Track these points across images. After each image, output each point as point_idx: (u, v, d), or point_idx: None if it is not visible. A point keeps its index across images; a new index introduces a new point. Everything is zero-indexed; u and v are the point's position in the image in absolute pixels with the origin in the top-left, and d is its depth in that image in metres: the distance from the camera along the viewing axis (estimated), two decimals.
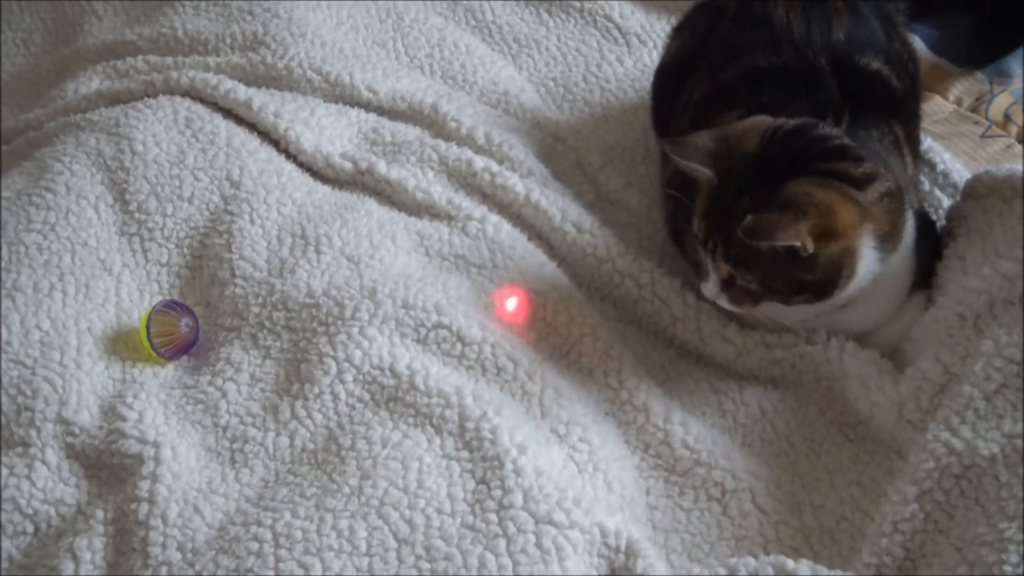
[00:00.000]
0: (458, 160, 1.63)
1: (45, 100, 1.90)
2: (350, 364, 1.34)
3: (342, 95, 1.78)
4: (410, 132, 1.71)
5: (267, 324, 1.42)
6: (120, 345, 1.45)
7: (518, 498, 1.18)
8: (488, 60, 1.92)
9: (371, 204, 1.60)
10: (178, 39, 1.91)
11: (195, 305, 1.49)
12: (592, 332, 1.43)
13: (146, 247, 1.54)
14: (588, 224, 1.54)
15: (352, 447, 1.26)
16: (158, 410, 1.34)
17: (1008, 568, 1.06)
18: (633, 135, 1.77)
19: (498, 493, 1.19)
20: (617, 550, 1.17)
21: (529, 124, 1.79)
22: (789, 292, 1.29)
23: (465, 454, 1.24)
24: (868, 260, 1.26)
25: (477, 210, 1.57)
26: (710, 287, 1.34)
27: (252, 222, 1.53)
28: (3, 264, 1.47)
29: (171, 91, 1.75)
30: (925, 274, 1.39)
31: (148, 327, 1.41)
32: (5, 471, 1.28)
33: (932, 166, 1.60)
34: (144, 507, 1.22)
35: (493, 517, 1.17)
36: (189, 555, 1.19)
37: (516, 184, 1.59)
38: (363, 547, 1.16)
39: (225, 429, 1.33)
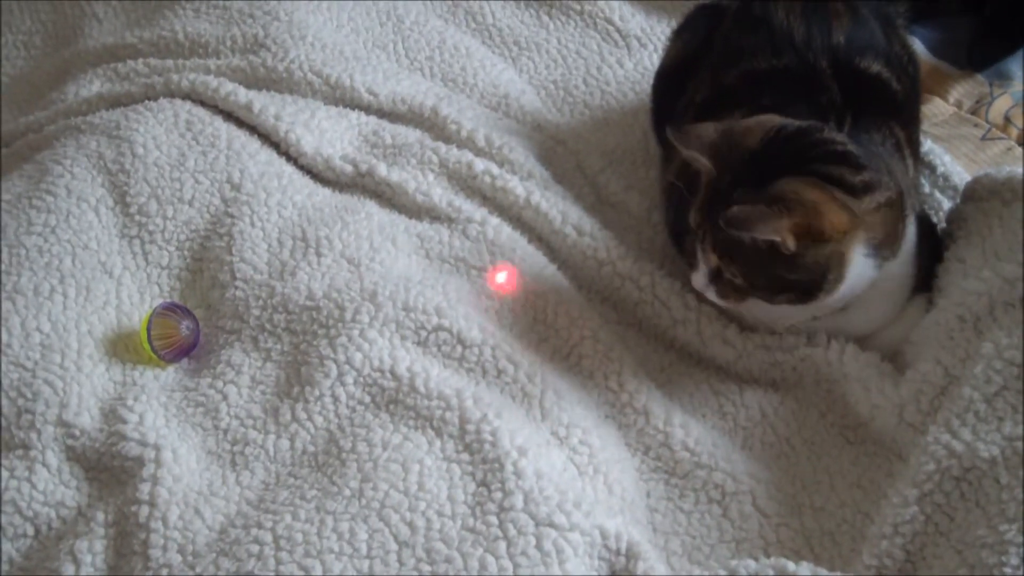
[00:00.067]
0: (458, 163, 1.63)
1: (45, 103, 1.90)
2: (350, 366, 1.34)
3: (342, 98, 1.78)
4: (410, 134, 1.72)
5: (268, 327, 1.42)
6: (121, 348, 1.45)
7: (519, 500, 1.18)
8: (488, 63, 1.92)
9: (371, 207, 1.60)
10: (179, 42, 1.91)
11: (196, 308, 1.49)
12: (592, 334, 1.43)
13: (147, 250, 1.54)
14: (588, 227, 1.54)
15: (352, 449, 1.26)
16: (159, 412, 1.34)
17: (1008, 570, 1.06)
18: (634, 138, 1.77)
19: (499, 495, 1.19)
20: (618, 552, 1.17)
21: (529, 127, 1.79)
22: (772, 290, 1.30)
23: (466, 456, 1.24)
24: (860, 266, 1.26)
25: (478, 212, 1.57)
26: (699, 278, 1.35)
27: (253, 225, 1.53)
28: (4, 267, 1.47)
29: (172, 94, 1.75)
30: (926, 277, 1.39)
31: (149, 329, 1.41)
32: (5, 473, 1.28)
33: (932, 168, 1.60)
34: (145, 509, 1.22)
35: (494, 519, 1.17)
36: (190, 557, 1.19)
37: (516, 187, 1.59)
38: (364, 549, 1.16)
39: (226, 431, 1.33)
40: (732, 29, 1.53)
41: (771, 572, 1.15)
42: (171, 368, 1.44)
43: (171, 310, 1.44)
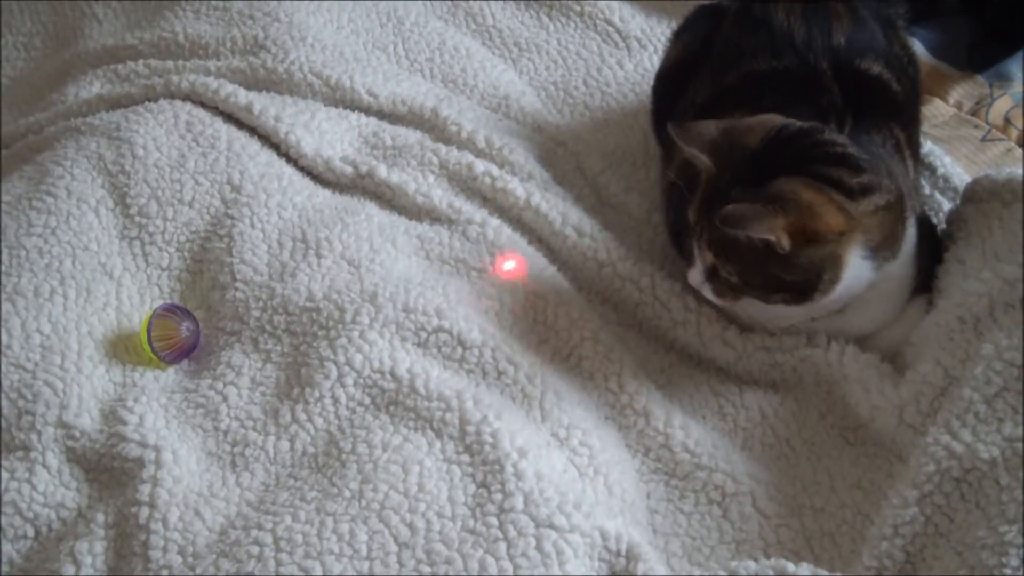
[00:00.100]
0: (459, 164, 1.63)
1: (45, 104, 1.90)
2: (351, 368, 1.34)
3: (343, 99, 1.78)
4: (411, 136, 1.72)
5: (268, 328, 1.43)
6: (121, 349, 1.45)
7: (519, 502, 1.18)
8: (489, 64, 1.93)
9: (372, 208, 1.60)
10: (179, 43, 1.91)
11: (196, 309, 1.49)
12: (593, 336, 1.43)
13: (147, 251, 1.55)
14: (589, 228, 1.54)
15: (353, 451, 1.26)
16: (159, 414, 1.34)
17: (1008, 571, 1.07)
18: (634, 139, 1.77)
19: (499, 497, 1.19)
20: (618, 554, 1.17)
21: (530, 128, 1.79)
22: (767, 289, 1.30)
23: (466, 458, 1.24)
24: (857, 268, 1.26)
25: (478, 214, 1.57)
26: (695, 275, 1.35)
27: (253, 226, 1.53)
28: (4, 268, 1.47)
29: (172, 95, 1.75)
30: (926, 278, 1.39)
31: (149, 331, 1.41)
32: (6, 475, 1.28)
33: (932, 170, 1.60)
34: (145, 511, 1.22)
35: (494, 521, 1.17)
36: (190, 559, 1.19)
37: (516, 188, 1.59)
38: (364, 551, 1.16)
39: (226, 433, 1.33)
40: (732, 30, 1.53)
41: (771, 573, 1.15)
42: (171, 369, 1.44)
43: (171, 311, 1.45)
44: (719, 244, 1.29)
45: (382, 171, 1.63)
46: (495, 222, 1.56)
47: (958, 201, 1.49)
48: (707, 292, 1.35)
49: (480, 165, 1.62)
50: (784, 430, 1.37)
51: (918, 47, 1.79)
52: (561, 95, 1.90)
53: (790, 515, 1.28)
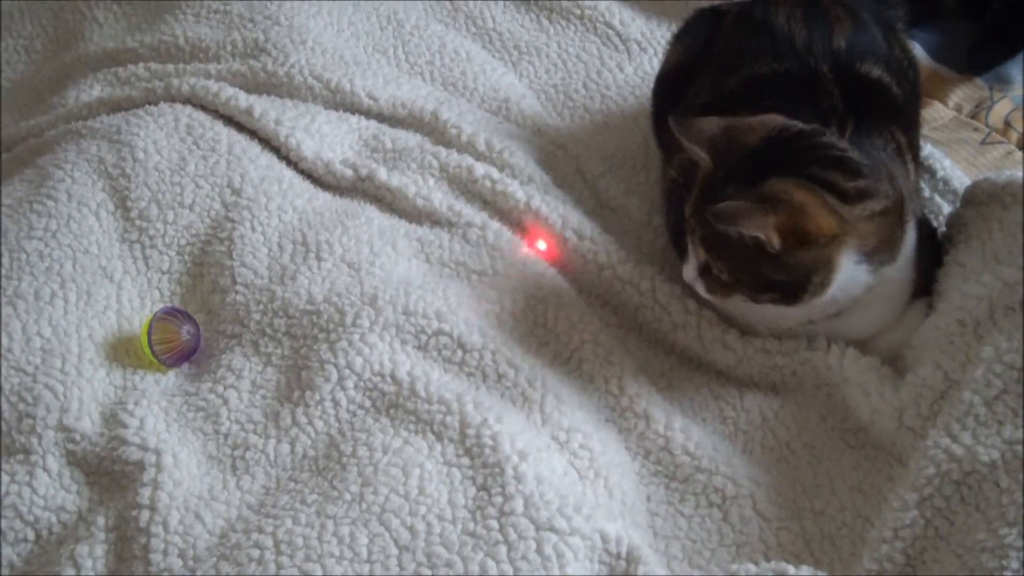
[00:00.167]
0: (459, 167, 1.63)
1: (46, 107, 1.90)
2: (351, 371, 1.34)
3: (343, 102, 1.78)
4: (411, 139, 1.72)
5: (268, 331, 1.43)
6: (121, 352, 1.45)
7: (519, 504, 1.18)
8: (489, 67, 1.93)
9: (372, 211, 1.60)
10: (179, 46, 1.91)
11: (196, 312, 1.49)
12: (593, 339, 1.43)
13: (147, 254, 1.55)
14: (589, 231, 1.54)
15: (353, 454, 1.26)
16: (159, 417, 1.34)
17: (1008, 574, 1.07)
18: (634, 142, 1.77)
19: (499, 500, 1.19)
20: (618, 556, 1.17)
21: (529, 131, 1.79)
22: (756, 288, 1.30)
23: (466, 460, 1.24)
24: (851, 272, 1.26)
25: (478, 217, 1.57)
26: (689, 270, 1.35)
27: (253, 229, 1.53)
28: (4, 271, 1.47)
29: (172, 98, 1.75)
30: (926, 281, 1.39)
31: (149, 334, 1.41)
32: (6, 478, 1.28)
33: (932, 173, 1.60)
34: (145, 514, 1.23)
35: (494, 524, 1.17)
36: (190, 562, 1.19)
37: (517, 191, 1.59)
38: (364, 554, 1.16)
39: (226, 436, 1.33)
40: (732, 33, 1.53)
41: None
42: (172, 372, 1.44)
43: (172, 314, 1.45)
44: (711, 240, 1.29)
45: (382, 174, 1.63)
46: (495, 225, 1.56)
47: (958, 204, 1.49)
48: (699, 288, 1.35)
49: (480, 168, 1.62)
50: (784, 433, 1.37)
51: (918, 50, 1.79)
52: (561, 98, 1.90)
53: (790, 518, 1.28)
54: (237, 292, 1.48)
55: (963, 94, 1.84)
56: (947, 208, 1.55)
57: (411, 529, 1.17)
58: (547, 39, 2.00)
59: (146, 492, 1.24)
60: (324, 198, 1.62)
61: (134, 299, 1.51)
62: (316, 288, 1.45)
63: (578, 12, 2.03)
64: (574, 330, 1.43)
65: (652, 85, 1.71)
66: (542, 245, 1.54)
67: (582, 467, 1.28)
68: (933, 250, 1.41)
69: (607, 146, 1.75)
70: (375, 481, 1.22)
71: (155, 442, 1.30)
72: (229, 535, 1.21)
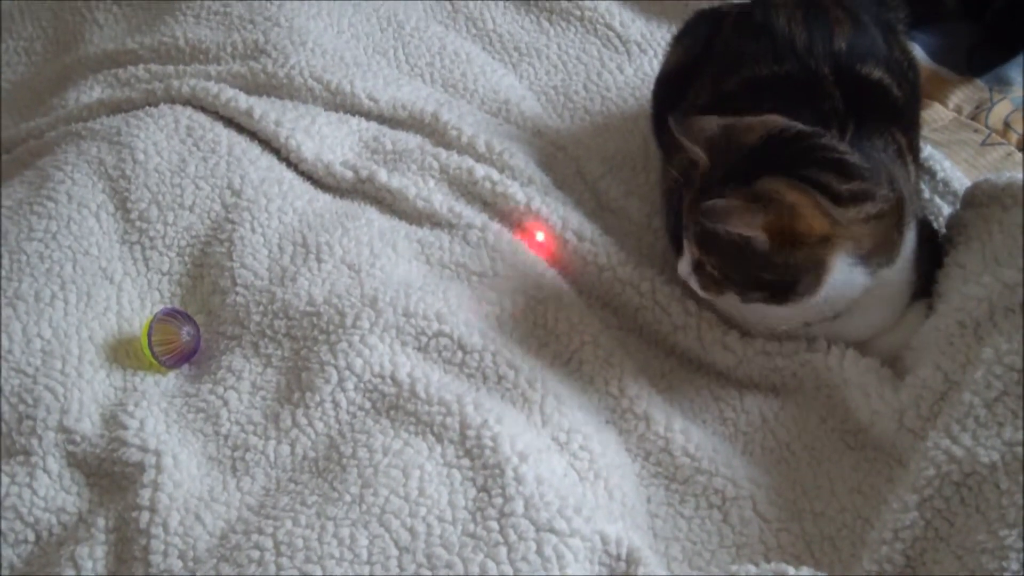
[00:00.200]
0: (459, 168, 1.64)
1: (46, 109, 1.90)
2: (351, 372, 1.34)
3: (343, 104, 1.78)
4: (411, 140, 1.72)
5: (268, 332, 1.43)
6: (121, 353, 1.45)
7: (519, 506, 1.18)
8: (489, 68, 1.93)
9: (372, 212, 1.60)
10: (179, 48, 1.91)
11: (196, 313, 1.49)
12: (593, 340, 1.43)
13: (147, 256, 1.55)
14: (589, 232, 1.54)
15: (353, 455, 1.26)
16: (159, 418, 1.34)
17: (1008, 575, 1.07)
18: (634, 144, 1.77)
19: (499, 501, 1.19)
20: (618, 558, 1.17)
21: (530, 132, 1.79)
22: (746, 286, 1.30)
23: (466, 462, 1.24)
24: (845, 274, 1.26)
25: (478, 218, 1.57)
26: (683, 265, 1.36)
27: (253, 230, 1.53)
28: (5, 273, 1.47)
29: (172, 100, 1.75)
30: (926, 282, 1.39)
31: (149, 335, 1.41)
32: (6, 479, 1.28)
33: (932, 174, 1.60)
34: (145, 515, 1.23)
35: (494, 525, 1.17)
36: (190, 563, 1.19)
37: (517, 192, 1.59)
38: (364, 555, 1.16)
39: (226, 437, 1.33)
40: (732, 35, 1.53)
41: None
42: (172, 374, 1.44)
43: (172, 316, 1.45)
44: (703, 237, 1.29)
45: (382, 176, 1.63)
46: (495, 226, 1.56)
47: (958, 205, 1.49)
48: (693, 284, 1.35)
49: (480, 169, 1.62)
50: (784, 434, 1.37)
51: (918, 51, 1.80)
52: (561, 99, 1.90)
53: (790, 519, 1.28)
54: (237, 293, 1.48)
55: (963, 95, 1.84)
56: (947, 209, 1.55)
57: (411, 530, 1.18)
58: (547, 41, 2.00)
59: (146, 493, 1.24)
60: (324, 200, 1.62)
61: (134, 300, 1.51)
62: (316, 289, 1.45)
63: (578, 14, 2.03)
64: (574, 331, 1.43)
65: (652, 86, 1.71)
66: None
67: (582, 468, 1.28)
68: (934, 252, 1.41)
69: (607, 148, 1.75)
70: (375, 482, 1.22)
71: (155, 443, 1.30)
72: (229, 536, 1.21)
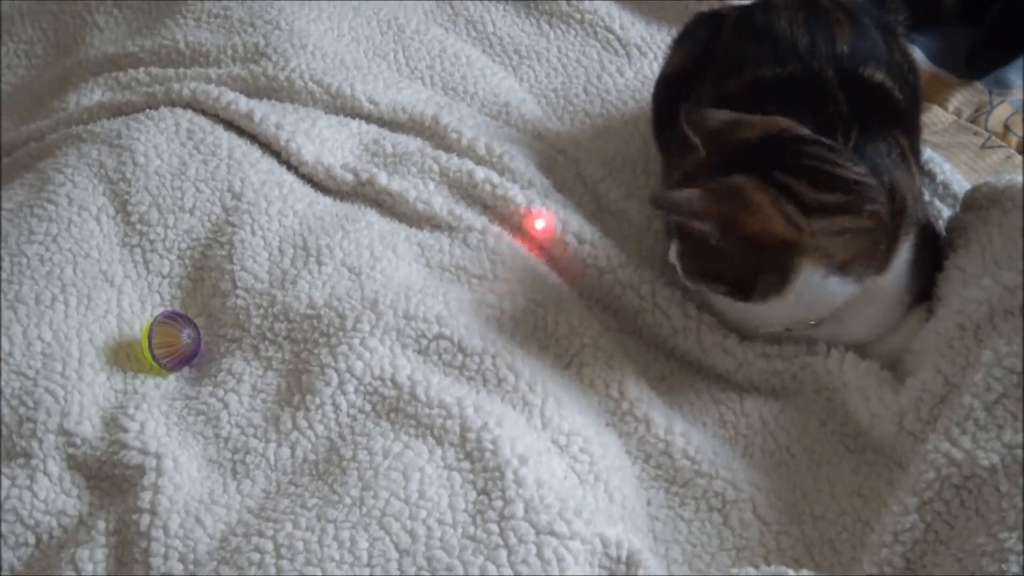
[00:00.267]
0: (459, 171, 1.64)
1: (47, 111, 1.90)
2: (351, 375, 1.34)
3: (343, 106, 1.78)
4: (411, 143, 1.72)
5: (268, 335, 1.43)
6: (122, 356, 1.45)
7: (519, 509, 1.18)
8: (489, 71, 1.93)
9: (372, 215, 1.60)
10: (180, 51, 1.91)
11: (196, 316, 1.49)
12: (593, 343, 1.43)
13: (148, 258, 1.55)
14: (589, 235, 1.54)
15: (353, 458, 1.26)
16: (159, 421, 1.34)
17: None
18: (634, 146, 1.77)
19: (499, 504, 1.19)
20: (618, 561, 1.17)
21: (530, 135, 1.79)
22: (707, 277, 1.32)
23: (466, 465, 1.24)
24: (815, 283, 1.26)
25: (478, 221, 1.57)
26: (671, 251, 1.36)
27: (253, 233, 1.53)
28: (5, 275, 1.47)
29: (173, 103, 1.75)
30: (926, 285, 1.38)
31: (150, 338, 1.41)
32: (7, 482, 1.28)
33: (932, 177, 1.60)
34: (146, 518, 1.23)
35: (494, 527, 1.17)
36: (191, 566, 1.19)
37: (517, 195, 1.59)
38: (364, 558, 1.16)
39: (226, 440, 1.33)
40: (733, 37, 1.53)
41: None
42: (172, 377, 1.44)
43: (172, 319, 1.45)
44: (678, 225, 1.31)
45: (383, 178, 1.63)
46: (495, 229, 1.56)
47: (958, 208, 1.49)
48: (679, 269, 1.36)
49: (480, 172, 1.62)
50: (784, 437, 1.37)
51: (917, 54, 1.80)
52: (561, 102, 1.90)
53: (790, 522, 1.28)
54: (237, 296, 1.48)
55: (963, 98, 1.84)
56: (947, 212, 1.55)
57: (411, 533, 1.18)
58: (547, 43, 2.00)
59: (146, 496, 1.24)
60: (324, 202, 1.63)
61: (134, 303, 1.51)
62: (316, 292, 1.45)
63: (578, 16, 2.03)
64: (574, 334, 1.43)
65: (652, 89, 1.71)
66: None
67: (582, 471, 1.28)
68: (937, 255, 1.40)
69: (607, 150, 1.76)
70: (375, 485, 1.22)
71: (155, 446, 1.30)
72: (229, 539, 1.21)
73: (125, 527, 1.24)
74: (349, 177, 1.64)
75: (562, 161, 1.73)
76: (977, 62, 1.88)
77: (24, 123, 1.91)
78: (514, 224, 1.58)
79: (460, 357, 1.38)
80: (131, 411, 1.34)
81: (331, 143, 1.70)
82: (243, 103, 1.73)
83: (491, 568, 1.14)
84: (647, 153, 1.74)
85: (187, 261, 1.55)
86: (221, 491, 1.28)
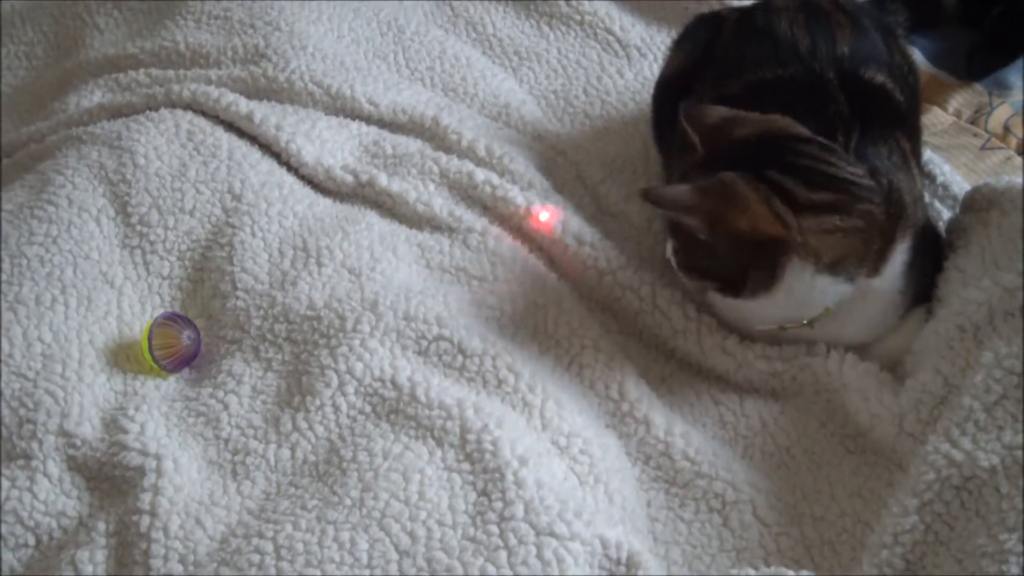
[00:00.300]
0: (459, 172, 1.64)
1: (47, 113, 1.91)
2: (351, 376, 1.34)
3: (343, 108, 1.79)
4: (411, 145, 1.72)
5: (268, 336, 1.43)
6: (122, 357, 1.45)
7: (519, 510, 1.18)
8: (489, 73, 1.93)
9: (372, 217, 1.60)
10: (180, 52, 1.91)
11: (197, 317, 1.49)
12: (593, 344, 1.43)
13: (148, 260, 1.55)
14: (589, 236, 1.54)
15: (353, 459, 1.26)
16: (160, 422, 1.34)
17: None
18: (634, 147, 1.77)
19: (499, 505, 1.19)
20: (618, 562, 1.17)
21: (530, 137, 1.79)
22: (699, 273, 1.33)
23: (466, 466, 1.24)
24: (805, 281, 1.26)
25: (478, 222, 1.57)
26: (668, 247, 1.37)
27: (254, 235, 1.53)
28: (5, 277, 1.47)
29: (173, 104, 1.75)
30: (926, 287, 1.38)
31: (150, 339, 1.41)
32: (7, 483, 1.28)
33: (932, 178, 1.60)
34: (146, 519, 1.23)
35: (494, 529, 1.17)
36: (191, 567, 1.19)
37: (517, 197, 1.59)
38: (364, 559, 1.16)
39: (227, 441, 1.33)
40: (734, 39, 1.53)
41: None
42: (172, 378, 1.44)
43: (172, 320, 1.45)
44: (671, 220, 1.32)
45: (383, 180, 1.63)
46: (495, 231, 1.56)
47: (957, 209, 1.49)
48: (674, 264, 1.36)
49: (480, 174, 1.63)
50: (784, 439, 1.37)
51: (917, 56, 1.80)
52: (561, 104, 1.90)
53: (790, 523, 1.28)
54: (238, 297, 1.48)
55: (962, 100, 1.84)
56: (947, 213, 1.55)
57: (411, 534, 1.18)
58: (547, 45, 2.00)
59: (147, 497, 1.24)
60: (324, 204, 1.63)
61: (135, 304, 1.51)
62: (317, 293, 1.45)
63: (578, 18, 2.03)
64: (574, 336, 1.44)
65: (652, 91, 1.71)
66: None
67: (582, 472, 1.29)
68: (938, 257, 1.40)
69: (607, 152, 1.76)
70: (375, 486, 1.22)
71: (155, 447, 1.30)
72: (230, 540, 1.21)
73: (125, 528, 1.24)
74: (349, 178, 1.64)
75: (562, 163, 1.73)
76: (977, 64, 1.88)
77: (24, 124, 1.91)
78: (514, 225, 1.58)
79: (460, 358, 1.38)
80: (131, 412, 1.34)
81: (331, 144, 1.71)
82: (243, 104, 1.73)
83: (491, 569, 1.14)
84: (647, 155, 1.75)
85: (187, 262, 1.55)
86: (221, 492, 1.28)
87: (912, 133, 1.47)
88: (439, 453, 1.25)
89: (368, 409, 1.32)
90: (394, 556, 1.16)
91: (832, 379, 1.36)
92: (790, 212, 1.23)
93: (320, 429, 1.32)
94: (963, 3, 1.92)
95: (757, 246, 1.24)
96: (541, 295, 1.47)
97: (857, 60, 1.42)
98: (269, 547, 1.18)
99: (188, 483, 1.28)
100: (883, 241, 1.29)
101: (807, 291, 1.27)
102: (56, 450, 1.31)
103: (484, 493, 1.21)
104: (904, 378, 1.33)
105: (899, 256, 1.31)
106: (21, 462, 1.30)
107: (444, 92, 1.90)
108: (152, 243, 1.55)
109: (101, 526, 1.24)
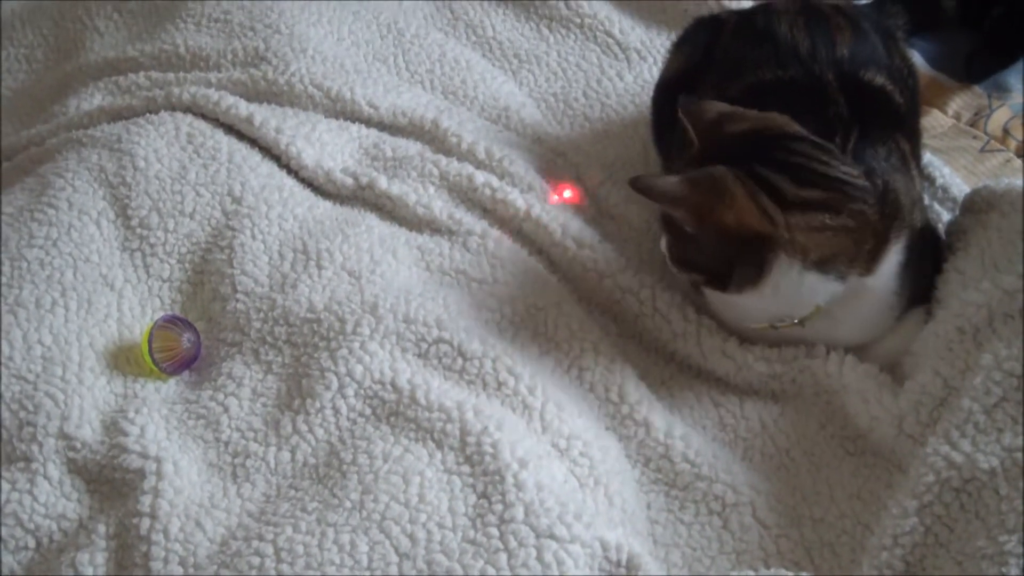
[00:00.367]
0: (459, 175, 1.64)
1: (47, 116, 1.91)
2: (351, 379, 1.34)
3: (343, 110, 1.79)
4: (411, 147, 1.72)
5: (268, 339, 1.43)
6: (122, 360, 1.45)
7: (519, 512, 1.18)
8: (489, 75, 1.93)
9: (372, 219, 1.60)
10: (180, 55, 1.91)
11: (197, 320, 1.49)
12: (593, 347, 1.43)
13: (148, 262, 1.55)
14: (588, 239, 1.54)
15: (353, 462, 1.26)
16: (160, 425, 1.34)
17: None
18: (633, 150, 1.77)
19: (499, 507, 1.19)
20: (618, 564, 1.17)
21: (529, 139, 1.79)
22: (685, 265, 1.34)
23: (466, 468, 1.24)
24: (793, 278, 1.26)
25: (478, 225, 1.57)
26: (662, 242, 1.37)
27: (254, 237, 1.53)
28: (5, 279, 1.47)
29: (173, 107, 1.76)
30: (925, 288, 1.38)
31: (150, 342, 1.41)
32: (7, 486, 1.28)
33: (931, 180, 1.60)
34: (146, 522, 1.23)
35: (494, 531, 1.17)
36: (191, 570, 1.19)
37: (517, 199, 1.59)
38: (364, 561, 1.16)
39: (227, 444, 1.33)
40: (734, 42, 1.53)
41: None
42: (172, 380, 1.44)
43: (172, 322, 1.45)
44: (665, 213, 1.32)
45: (383, 182, 1.63)
46: (495, 233, 1.56)
47: (957, 212, 1.49)
48: (668, 258, 1.37)
49: (480, 176, 1.63)
50: (784, 441, 1.37)
51: (917, 58, 1.80)
52: (561, 106, 1.90)
53: (790, 525, 1.28)
54: (238, 300, 1.48)
55: (962, 102, 1.84)
56: (946, 216, 1.55)
57: (411, 537, 1.18)
58: (547, 48, 2.00)
59: (147, 500, 1.25)
60: (324, 206, 1.63)
61: (135, 307, 1.51)
62: (317, 296, 1.45)
63: (578, 21, 2.03)
64: (574, 338, 1.44)
65: (652, 93, 1.71)
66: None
67: (582, 475, 1.28)
68: (937, 259, 1.40)
69: (607, 154, 1.76)
70: (375, 489, 1.22)
71: (156, 450, 1.30)
72: (230, 543, 1.21)
73: (125, 531, 1.24)
74: (349, 181, 1.65)
75: (562, 165, 1.73)
76: (976, 66, 1.88)
77: (24, 127, 1.91)
78: (514, 228, 1.58)
79: (460, 361, 1.38)
80: (131, 415, 1.34)
81: (331, 147, 1.71)
82: (243, 107, 1.73)
83: (491, 571, 1.14)
84: (647, 157, 1.75)
85: (187, 265, 1.55)
86: (221, 495, 1.28)
87: (912, 135, 1.47)
88: (439, 455, 1.25)
89: (368, 412, 1.32)
90: (394, 558, 1.16)
91: (832, 381, 1.36)
92: (777, 208, 1.24)
93: (320, 432, 1.32)
94: (962, 6, 1.92)
95: (744, 241, 1.25)
96: (541, 298, 1.47)
97: (857, 62, 1.43)
98: (269, 549, 1.18)
99: (188, 486, 1.28)
100: (876, 241, 1.29)
101: (795, 288, 1.28)
102: (56, 453, 1.31)
103: (484, 495, 1.21)
104: (903, 380, 1.33)
105: (894, 256, 1.31)
106: (21, 465, 1.30)
107: (444, 95, 1.90)
108: (152, 246, 1.55)
109: (101, 528, 1.24)
